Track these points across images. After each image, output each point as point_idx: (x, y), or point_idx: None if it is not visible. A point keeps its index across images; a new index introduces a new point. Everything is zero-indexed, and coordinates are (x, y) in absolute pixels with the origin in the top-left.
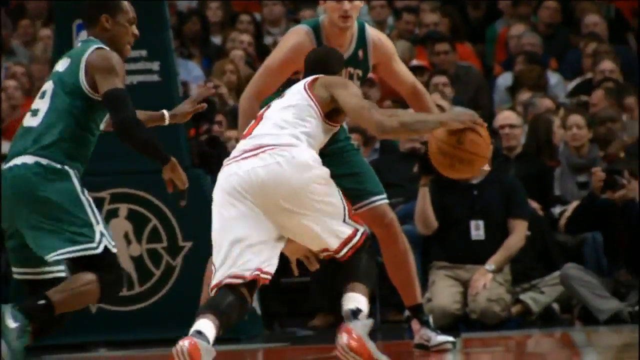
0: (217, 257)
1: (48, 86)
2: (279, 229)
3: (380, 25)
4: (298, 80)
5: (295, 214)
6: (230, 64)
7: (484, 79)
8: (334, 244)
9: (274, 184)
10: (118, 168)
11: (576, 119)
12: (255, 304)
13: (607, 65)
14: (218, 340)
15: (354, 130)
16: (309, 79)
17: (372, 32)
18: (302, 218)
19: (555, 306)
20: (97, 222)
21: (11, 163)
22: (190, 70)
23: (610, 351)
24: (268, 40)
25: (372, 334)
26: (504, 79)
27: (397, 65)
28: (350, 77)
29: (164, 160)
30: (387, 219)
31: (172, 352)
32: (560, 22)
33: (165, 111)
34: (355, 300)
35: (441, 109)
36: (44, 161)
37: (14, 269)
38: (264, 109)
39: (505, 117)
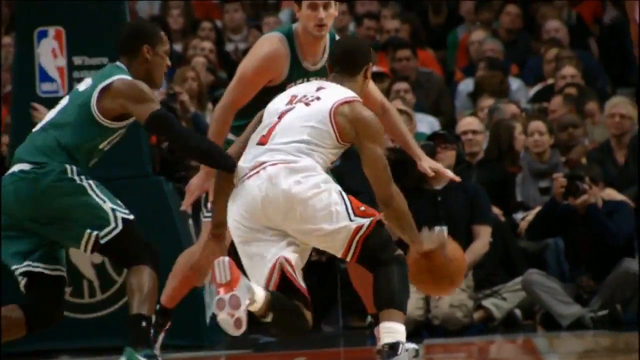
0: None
1: (63, 101)
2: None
3: (341, 32)
4: (274, 87)
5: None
6: (191, 72)
7: (445, 85)
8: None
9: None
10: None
11: (538, 125)
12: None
13: (568, 70)
14: (180, 347)
15: None
16: (339, 101)
17: None
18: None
19: (518, 312)
20: (104, 201)
21: (12, 169)
22: None
23: (572, 357)
24: (229, 47)
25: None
26: (465, 85)
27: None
28: None
29: (229, 169)
30: None
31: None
32: (522, 28)
33: None
34: (393, 330)
35: (406, 114)
36: (36, 166)
37: (19, 265)
38: (283, 110)
39: (468, 123)
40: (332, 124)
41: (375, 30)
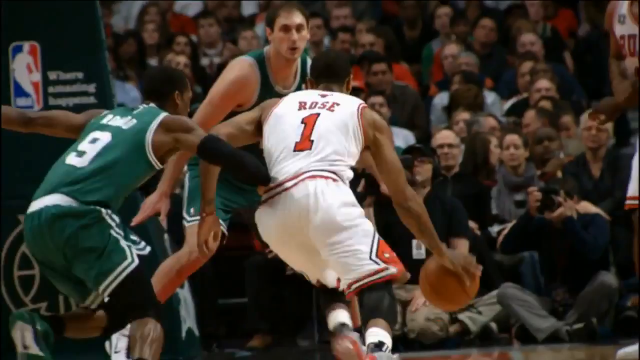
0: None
1: (101, 135)
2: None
3: (316, 46)
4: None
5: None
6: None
7: (420, 99)
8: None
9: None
10: None
11: (513, 138)
12: (193, 325)
13: (543, 84)
14: None
15: None
16: (359, 105)
17: None
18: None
19: (493, 325)
20: (121, 238)
21: (45, 201)
22: (127, 92)
23: None
24: (204, 61)
25: (311, 354)
26: (440, 99)
27: None
28: None
29: (267, 183)
30: None
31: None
32: (496, 41)
33: None
34: (378, 334)
35: None
36: (74, 203)
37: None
38: (309, 114)
39: (444, 136)
40: (360, 128)
41: (350, 44)
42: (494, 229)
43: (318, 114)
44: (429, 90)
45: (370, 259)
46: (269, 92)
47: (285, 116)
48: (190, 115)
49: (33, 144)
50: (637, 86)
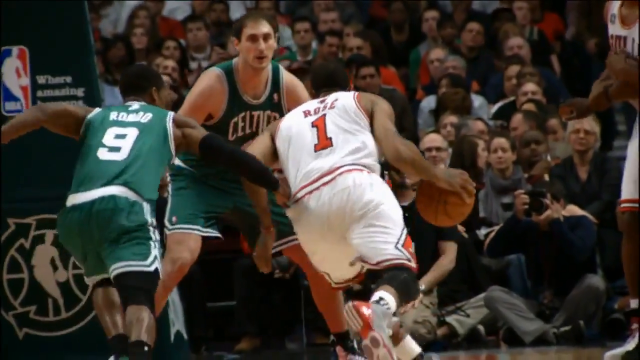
0: None
1: (125, 131)
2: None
3: (304, 49)
4: (217, 125)
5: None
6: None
7: (408, 103)
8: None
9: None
10: (44, 194)
11: (500, 141)
12: (182, 328)
13: (529, 87)
14: None
15: None
16: (355, 94)
17: (287, 76)
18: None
19: (481, 328)
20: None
21: (101, 193)
22: (116, 96)
23: None
24: (193, 65)
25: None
26: (428, 102)
27: None
28: (269, 118)
29: (275, 187)
30: None
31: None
32: (483, 45)
33: None
34: (381, 294)
35: None
36: (129, 194)
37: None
38: (316, 117)
39: (432, 139)
40: (360, 109)
41: (338, 47)
42: (482, 232)
43: (325, 115)
44: (417, 94)
45: (396, 247)
46: (238, 102)
47: (294, 126)
48: None
49: (19, 148)
50: (606, 90)
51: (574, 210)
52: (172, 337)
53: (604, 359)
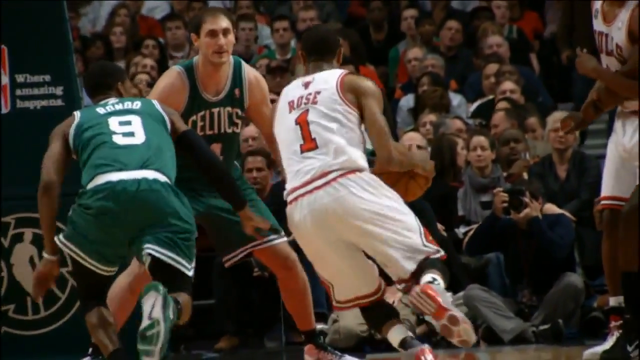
0: None
1: (126, 118)
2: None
3: (283, 48)
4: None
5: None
6: (133, 88)
7: (387, 101)
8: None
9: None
10: (22, 193)
11: (480, 140)
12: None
13: (508, 85)
14: None
15: (257, 153)
16: (338, 80)
17: (249, 70)
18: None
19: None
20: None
21: (142, 175)
22: None
23: None
24: (172, 64)
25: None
26: (406, 101)
27: (267, 108)
28: (230, 116)
29: (239, 205)
30: (289, 260)
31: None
32: (462, 43)
33: None
34: (433, 276)
35: None
36: (162, 177)
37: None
38: (299, 113)
39: (410, 138)
40: (344, 101)
41: None
42: (461, 230)
43: (307, 111)
44: (395, 93)
45: (424, 245)
46: (198, 99)
47: (281, 122)
48: None
49: (5, 148)
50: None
51: (552, 208)
52: None
53: (583, 357)
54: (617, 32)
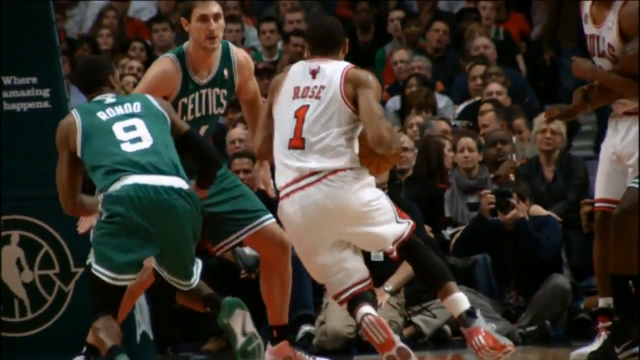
0: None
1: (130, 123)
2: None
3: (270, 50)
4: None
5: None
6: (121, 90)
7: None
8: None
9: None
10: (9, 195)
11: (467, 141)
12: (148, 329)
13: (494, 87)
14: None
15: (244, 155)
16: (342, 77)
17: (237, 51)
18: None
19: (447, 328)
20: None
21: (170, 182)
22: (82, 97)
23: None
24: None
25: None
26: (393, 103)
27: (253, 82)
28: (217, 97)
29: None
30: (284, 240)
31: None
32: (449, 45)
33: None
34: (461, 300)
35: None
36: (185, 186)
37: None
38: (296, 108)
39: None
40: (345, 98)
41: (303, 47)
42: (448, 232)
43: (307, 106)
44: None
45: (397, 221)
46: (190, 84)
47: (282, 106)
48: None
49: None
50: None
51: (538, 210)
52: (138, 338)
53: (570, 358)
54: (607, 32)
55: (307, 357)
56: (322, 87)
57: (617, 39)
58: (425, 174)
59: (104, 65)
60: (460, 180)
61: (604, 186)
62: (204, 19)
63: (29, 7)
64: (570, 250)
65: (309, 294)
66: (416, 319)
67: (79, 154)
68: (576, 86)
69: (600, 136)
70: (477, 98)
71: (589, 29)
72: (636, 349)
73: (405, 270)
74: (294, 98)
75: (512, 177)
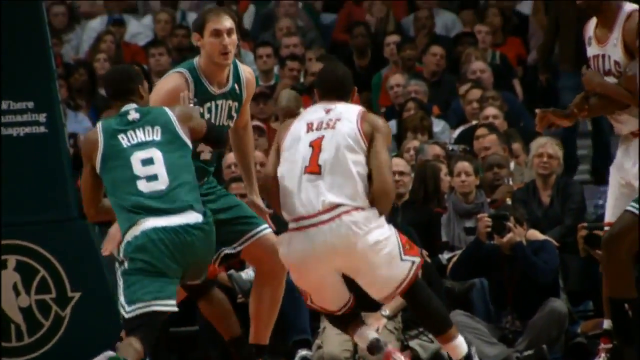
0: None
1: (148, 154)
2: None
3: (266, 74)
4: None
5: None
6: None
7: None
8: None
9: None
10: (6, 220)
11: (464, 165)
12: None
13: (490, 111)
14: None
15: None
16: (358, 114)
17: (244, 67)
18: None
19: (444, 353)
20: None
21: (182, 219)
22: (80, 122)
23: None
24: None
25: None
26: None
27: (248, 106)
28: (229, 109)
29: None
30: None
31: None
32: (445, 69)
33: None
34: (460, 345)
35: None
36: (200, 218)
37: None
38: (312, 139)
39: (394, 164)
40: (361, 133)
41: (299, 71)
42: (444, 256)
43: (323, 136)
44: None
45: (402, 260)
46: (204, 92)
47: (296, 141)
48: None
49: None
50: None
51: (535, 234)
52: None
53: None
54: (612, 49)
55: None
56: (338, 120)
57: (623, 55)
58: (422, 198)
59: (134, 74)
60: (457, 204)
61: (612, 210)
62: (217, 34)
63: (25, 32)
64: (566, 274)
65: (305, 319)
66: (413, 344)
67: (98, 172)
68: None
69: (595, 161)
70: (474, 122)
71: (592, 50)
72: None
73: None
74: (307, 132)
75: (509, 201)
